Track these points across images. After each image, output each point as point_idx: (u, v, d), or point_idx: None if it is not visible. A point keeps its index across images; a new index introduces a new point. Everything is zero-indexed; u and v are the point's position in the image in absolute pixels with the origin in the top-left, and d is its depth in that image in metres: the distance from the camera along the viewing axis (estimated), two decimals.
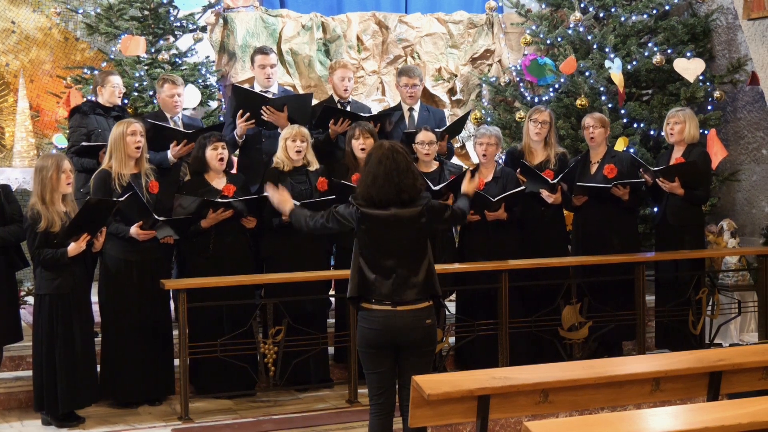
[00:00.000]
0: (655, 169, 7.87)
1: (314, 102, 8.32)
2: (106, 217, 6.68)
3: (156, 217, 6.83)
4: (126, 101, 8.93)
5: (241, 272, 7.17)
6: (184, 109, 8.33)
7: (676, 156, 8.00)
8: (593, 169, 7.97)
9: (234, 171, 7.90)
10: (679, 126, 7.97)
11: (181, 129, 7.84)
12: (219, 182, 7.29)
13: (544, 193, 7.73)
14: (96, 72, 9.08)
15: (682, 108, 8.21)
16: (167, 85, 7.85)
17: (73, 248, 6.49)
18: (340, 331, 7.50)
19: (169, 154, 7.61)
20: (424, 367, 5.29)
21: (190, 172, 7.61)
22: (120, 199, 6.68)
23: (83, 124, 7.83)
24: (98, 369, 6.99)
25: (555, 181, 7.68)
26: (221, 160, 7.23)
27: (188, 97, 8.87)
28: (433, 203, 5.39)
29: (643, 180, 7.88)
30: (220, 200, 7.08)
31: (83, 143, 7.62)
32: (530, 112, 8.08)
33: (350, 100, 8.28)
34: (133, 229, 6.85)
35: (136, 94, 9.05)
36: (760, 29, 9.00)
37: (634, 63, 9.75)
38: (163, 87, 7.87)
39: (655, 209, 8.50)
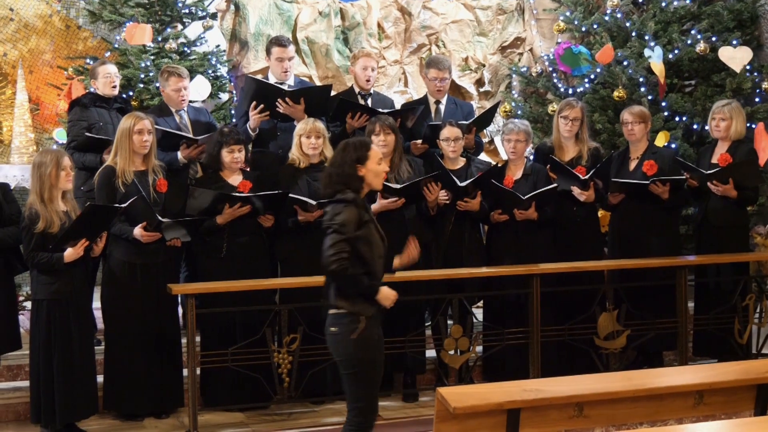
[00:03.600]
0: (709, 172, 7.80)
1: (333, 94, 8.33)
2: (107, 222, 6.71)
3: (159, 218, 6.85)
4: (131, 93, 8.97)
5: (257, 275, 7.18)
6: (192, 101, 8.34)
7: (720, 152, 7.97)
8: (632, 165, 7.96)
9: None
10: (725, 123, 7.94)
11: (187, 124, 7.88)
12: (234, 179, 7.30)
13: (576, 191, 7.72)
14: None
15: (728, 101, 8.15)
16: (173, 78, 7.84)
17: (70, 254, 6.51)
18: None
19: (180, 155, 7.64)
20: (345, 384, 5.36)
21: (202, 168, 7.64)
22: (122, 206, 6.70)
23: (83, 117, 7.85)
24: (101, 379, 7.03)
25: (587, 177, 7.66)
26: (236, 162, 7.26)
27: (197, 89, 8.89)
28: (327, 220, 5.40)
29: (684, 177, 7.85)
30: (237, 195, 7.10)
31: (87, 134, 7.62)
32: (560, 106, 8.07)
33: (372, 92, 8.29)
34: (137, 231, 6.87)
35: (141, 85, 9.08)
36: None
37: (676, 52, 9.72)
38: (168, 80, 7.85)
39: (696, 209, 8.48)
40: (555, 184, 7.64)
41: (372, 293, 5.28)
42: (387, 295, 5.32)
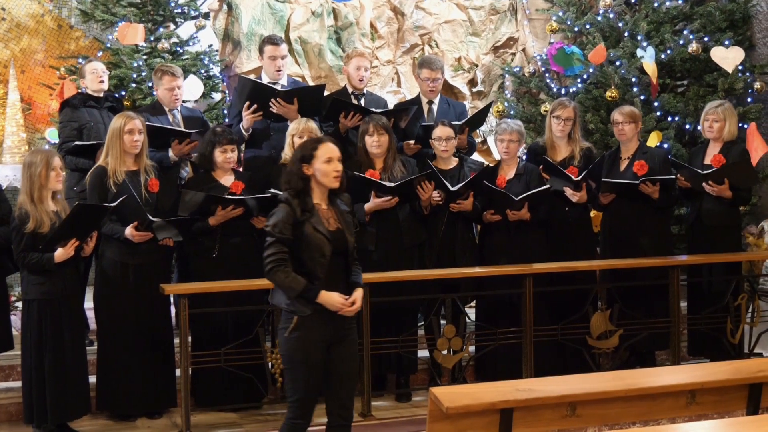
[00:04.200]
0: (705, 172, 7.83)
1: (326, 94, 8.33)
2: (97, 222, 6.70)
3: (150, 218, 6.84)
4: (123, 93, 8.96)
5: (249, 276, 7.14)
6: (185, 101, 8.34)
7: (713, 153, 7.98)
8: (623, 165, 7.98)
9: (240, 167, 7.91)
10: (718, 124, 7.97)
11: (180, 123, 7.86)
12: (226, 179, 7.31)
13: (568, 192, 7.73)
14: None
15: (721, 102, 8.18)
16: (166, 77, 7.83)
17: (60, 254, 6.50)
18: None
19: (170, 152, 7.63)
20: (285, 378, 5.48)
21: (193, 169, 7.64)
22: (111, 204, 6.69)
23: (74, 119, 7.83)
24: (93, 379, 7.04)
25: (579, 178, 7.68)
26: (229, 162, 7.26)
27: (190, 89, 8.89)
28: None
29: (674, 177, 7.87)
30: (230, 197, 7.09)
31: (76, 143, 7.62)
32: (553, 106, 8.08)
33: (365, 92, 8.29)
34: (128, 230, 6.87)
35: (134, 85, 9.08)
36: None
37: (669, 52, 9.74)
38: (162, 79, 7.84)
39: (688, 209, 8.49)
40: (548, 185, 7.65)
41: (309, 296, 5.23)
42: (328, 300, 5.24)
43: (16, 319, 7.72)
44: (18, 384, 7.04)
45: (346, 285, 5.37)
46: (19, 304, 8.13)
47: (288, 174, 5.39)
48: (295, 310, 5.25)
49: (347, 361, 5.42)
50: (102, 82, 7.99)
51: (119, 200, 6.73)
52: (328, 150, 5.33)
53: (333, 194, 5.42)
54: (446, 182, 7.41)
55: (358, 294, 5.35)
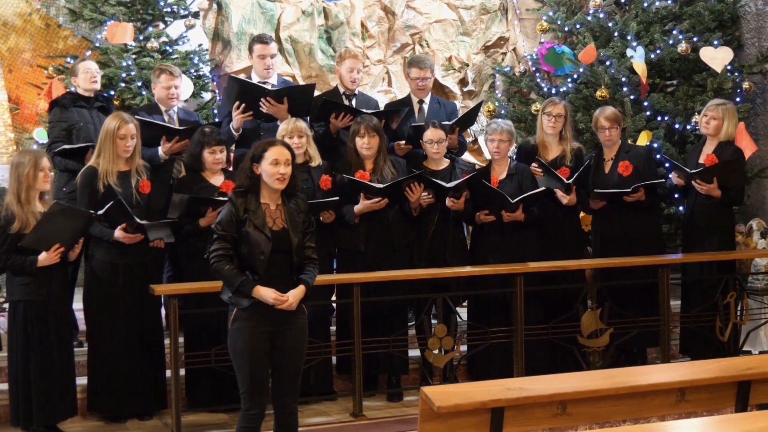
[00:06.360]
0: (693, 171, 7.89)
1: (317, 93, 8.35)
2: (82, 229, 6.70)
3: (138, 221, 6.85)
4: (112, 92, 8.96)
5: None
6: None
7: (707, 152, 8.02)
8: (607, 167, 8.01)
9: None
10: (715, 122, 8.00)
11: (176, 124, 7.86)
12: (216, 179, 7.32)
13: (558, 193, 7.78)
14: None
15: (724, 102, 8.19)
16: (164, 76, 7.84)
17: (44, 259, 6.51)
18: (343, 339, 7.52)
19: (160, 150, 7.65)
20: None
21: (186, 169, 7.66)
22: (96, 212, 6.71)
23: (63, 119, 7.82)
24: (82, 380, 7.05)
25: (569, 181, 7.72)
26: (218, 162, 7.29)
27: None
28: None
29: (661, 180, 7.93)
30: (218, 198, 7.10)
31: (63, 147, 7.61)
32: (544, 104, 8.13)
33: (356, 92, 8.31)
34: (117, 233, 6.87)
35: (123, 85, 9.07)
36: None
37: (658, 52, 9.78)
38: (160, 78, 7.86)
39: (681, 208, 8.52)
40: (543, 188, 7.68)
41: (244, 290, 5.40)
42: (261, 294, 5.40)
43: (3, 321, 7.72)
44: (5, 386, 7.04)
45: (291, 281, 5.52)
46: (7, 306, 8.13)
47: (239, 172, 5.59)
48: (235, 302, 5.45)
49: (285, 353, 5.56)
50: (95, 82, 8.00)
51: (105, 209, 6.74)
52: (276, 152, 5.46)
53: (287, 195, 5.55)
54: (440, 181, 7.43)
55: (295, 291, 5.49)
